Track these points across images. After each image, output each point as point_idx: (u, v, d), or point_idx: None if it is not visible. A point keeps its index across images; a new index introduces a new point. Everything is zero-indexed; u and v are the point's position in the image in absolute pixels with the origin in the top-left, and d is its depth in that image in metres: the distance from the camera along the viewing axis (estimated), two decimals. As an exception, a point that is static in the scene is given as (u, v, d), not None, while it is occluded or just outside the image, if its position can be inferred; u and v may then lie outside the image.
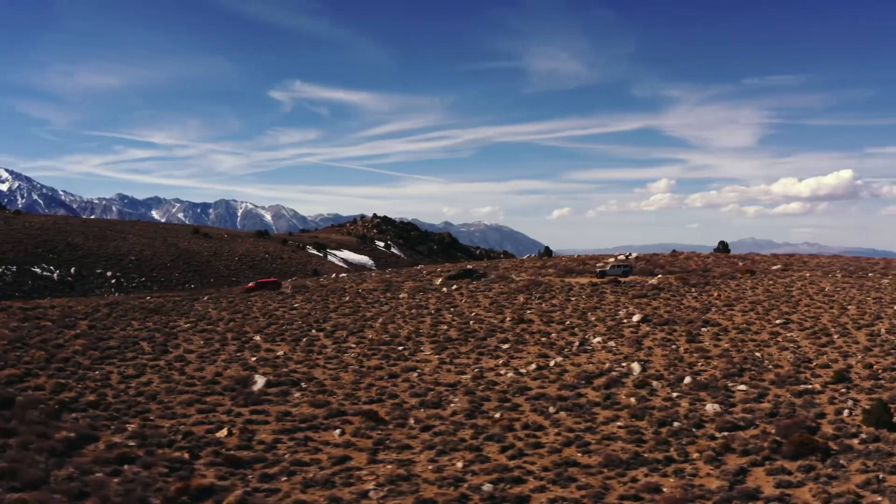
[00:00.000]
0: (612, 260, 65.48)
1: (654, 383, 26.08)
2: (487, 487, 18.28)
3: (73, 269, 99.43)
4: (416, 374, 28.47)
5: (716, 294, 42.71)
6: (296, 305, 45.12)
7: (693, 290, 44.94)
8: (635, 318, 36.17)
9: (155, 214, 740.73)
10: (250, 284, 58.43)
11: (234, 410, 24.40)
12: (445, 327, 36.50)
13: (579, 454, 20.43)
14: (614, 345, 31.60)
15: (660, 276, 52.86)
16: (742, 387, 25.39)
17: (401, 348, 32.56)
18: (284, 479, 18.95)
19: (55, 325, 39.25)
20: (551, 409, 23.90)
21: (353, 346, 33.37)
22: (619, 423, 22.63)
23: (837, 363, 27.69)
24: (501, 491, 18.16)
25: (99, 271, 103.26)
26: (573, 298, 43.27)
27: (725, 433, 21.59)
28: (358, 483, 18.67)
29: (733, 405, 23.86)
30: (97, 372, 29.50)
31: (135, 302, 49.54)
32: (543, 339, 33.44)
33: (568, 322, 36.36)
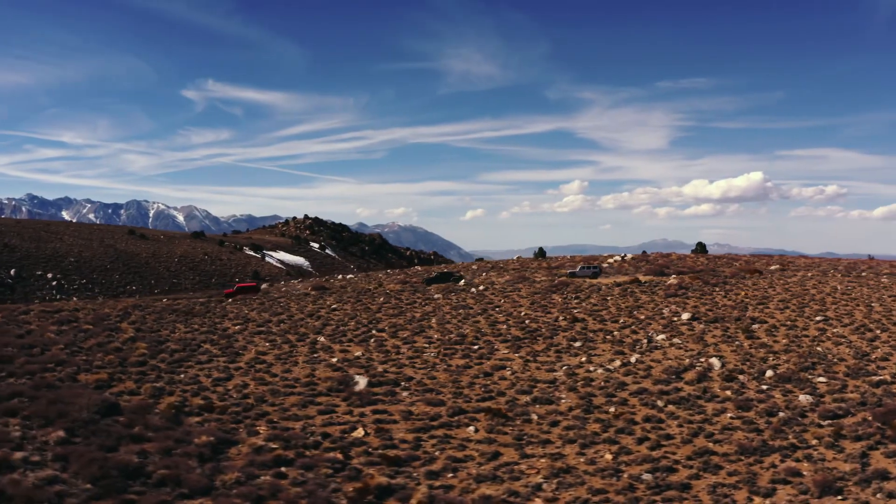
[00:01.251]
0: (581, 262, 67.90)
1: (740, 377, 28.13)
2: (647, 476, 19.73)
3: (12, 271, 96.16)
4: (508, 373, 29.64)
5: (742, 293, 45.49)
6: (334, 306, 45.41)
7: (716, 289, 47.63)
8: (685, 315, 38.34)
9: (65, 215, 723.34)
10: (229, 290, 56.06)
11: (353, 411, 25.03)
12: (505, 327, 37.75)
13: (710, 444, 22.13)
14: (679, 342, 33.60)
15: (674, 276, 55.56)
16: (821, 379, 27.71)
17: (476, 348, 33.64)
18: (450, 475, 19.91)
19: (97, 328, 38.52)
20: (660, 403, 25.57)
21: (426, 345, 34.19)
22: (729, 415, 24.48)
23: (893, 356, 30.44)
24: (661, 479, 19.64)
25: (39, 273, 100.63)
26: (608, 298, 45.20)
27: (829, 421, 23.72)
28: (524, 477, 19.80)
29: (822, 396, 26.10)
30: (182, 375, 29.46)
31: (159, 304, 48.75)
32: (609, 336, 35.14)
33: (622, 320, 38.21)
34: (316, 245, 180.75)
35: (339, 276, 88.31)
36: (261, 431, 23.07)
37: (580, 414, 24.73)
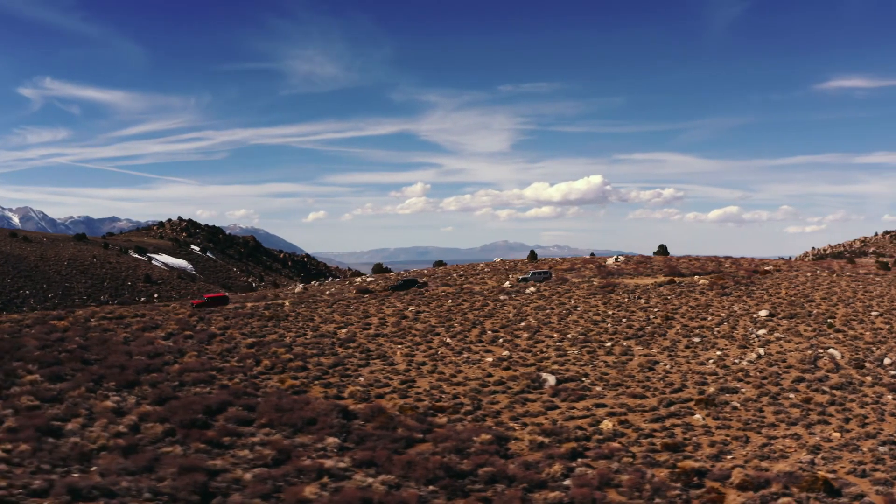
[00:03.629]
0: (531, 267, 72.43)
1: (867, 365, 33.01)
2: (882, 449, 23.59)
3: None
4: (666, 367, 32.85)
5: (784, 292, 51.46)
6: (410, 309, 46.64)
7: (751, 288, 53.41)
8: (762, 313, 43.31)
9: None
10: (199, 301, 52.68)
11: (576, 405, 27.21)
12: (610, 325, 40.92)
13: (901, 420, 26.46)
14: (781, 336, 38.27)
15: (696, 276, 61.20)
16: (931, 364, 33.15)
17: (609, 345, 36.58)
18: (729, 457, 22.81)
19: (200, 335, 37.94)
20: (825, 388, 29.76)
21: (558, 343, 36.66)
22: (890, 396, 29.03)
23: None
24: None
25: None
26: (669, 298, 49.59)
27: (970, 398, 28.87)
28: (791, 454, 23.06)
29: (945, 378, 31.40)
30: (361, 378, 30.36)
31: (229, 307, 47.81)
32: (712, 332, 39.21)
33: (710, 319, 42.52)
34: (197, 248, 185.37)
35: (316, 284, 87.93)
36: (516, 428, 24.80)
37: (770, 401, 28.37)
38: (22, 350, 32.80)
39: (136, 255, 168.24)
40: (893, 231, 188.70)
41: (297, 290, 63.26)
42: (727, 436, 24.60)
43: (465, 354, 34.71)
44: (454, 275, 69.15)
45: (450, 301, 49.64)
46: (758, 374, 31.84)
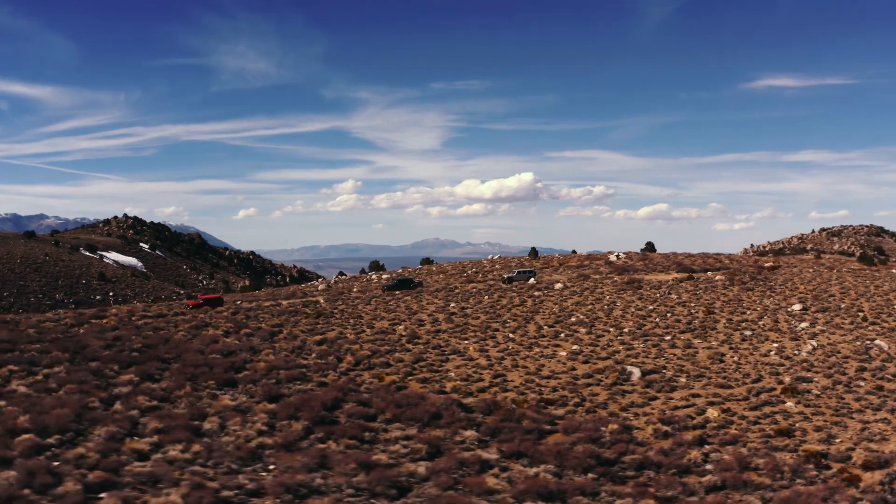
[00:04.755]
0: (514, 264, 74.49)
1: (915, 354, 35.65)
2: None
3: None
4: (734, 358, 34.75)
5: (802, 287, 54.41)
6: (451, 305, 47.55)
7: (765, 284, 56.26)
8: (796, 307, 45.90)
9: None
10: (194, 301, 51.50)
11: (671, 396, 28.74)
12: (656, 319, 42.75)
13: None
14: (824, 328, 40.76)
15: (710, 272, 63.94)
16: (970, 353, 36.04)
17: (668, 338, 38.33)
18: (837, 440, 24.67)
19: (260, 332, 38.10)
20: (888, 376, 32.11)
21: (618, 336, 38.24)
22: (949, 383, 31.59)
23: None
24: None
25: None
26: (698, 293, 51.87)
27: None
28: (892, 435, 25.08)
29: None
30: (451, 373, 31.25)
31: (268, 304, 47.75)
32: (758, 326, 41.46)
33: (749, 313, 44.86)
34: (146, 245, 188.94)
35: (321, 281, 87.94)
36: (630, 418, 26.14)
37: (845, 389, 30.52)
38: (88, 350, 32.52)
39: (88, 253, 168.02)
40: (830, 228, 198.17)
41: (321, 287, 63.28)
42: (825, 421, 26.52)
43: (537, 349, 35.92)
44: (469, 272, 70.22)
45: (486, 297, 50.71)
46: (821, 364, 34.04)
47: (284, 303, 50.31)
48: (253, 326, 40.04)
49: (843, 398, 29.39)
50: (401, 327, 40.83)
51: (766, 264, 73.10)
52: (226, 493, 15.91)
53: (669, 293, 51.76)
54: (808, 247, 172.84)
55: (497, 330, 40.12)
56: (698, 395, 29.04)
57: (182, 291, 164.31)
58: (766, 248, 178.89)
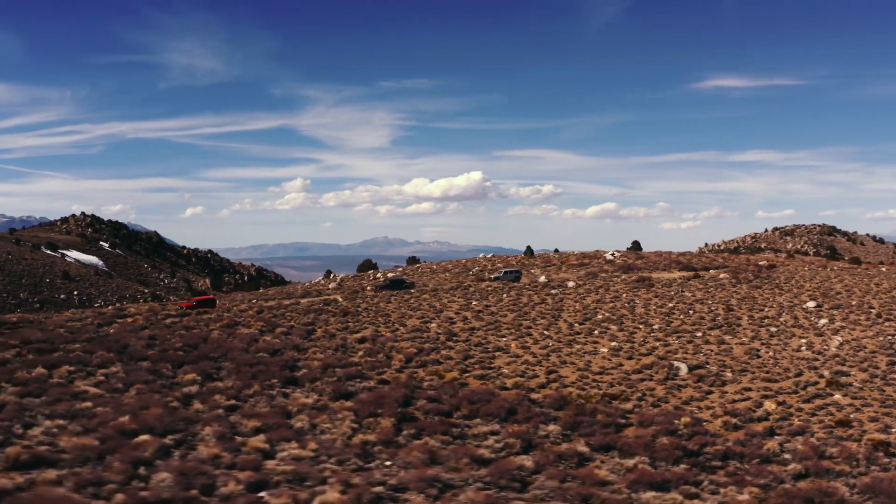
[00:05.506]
0: (501, 265, 75.97)
1: (936, 349, 37.65)
2: None
3: None
4: (769, 353, 36.20)
5: (807, 285, 56.63)
6: (473, 304, 48.23)
7: (771, 282, 58.41)
8: (810, 304, 47.84)
9: None
10: (187, 303, 49.61)
11: (724, 391, 29.92)
12: (684, 317, 44.14)
13: None
14: (844, 325, 42.67)
15: (713, 271, 65.95)
16: (985, 347, 38.19)
17: (699, 334, 39.68)
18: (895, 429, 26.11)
19: (297, 330, 38.24)
20: (920, 370, 33.96)
21: (650, 333, 39.41)
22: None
23: None
24: None
25: None
26: (711, 290, 53.58)
27: None
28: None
29: None
30: (503, 370, 31.96)
31: (288, 303, 47.71)
32: (781, 322, 43.14)
33: (767, 310, 46.61)
34: (106, 244, 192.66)
35: (322, 280, 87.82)
36: (694, 410, 27.18)
37: (883, 382, 32.17)
38: (130, 349, 32.33)
39: (50, 252, 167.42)
40: (783, 227, 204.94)
41: (332, 285, 63.20)
42: (875, 412, 27.99)
43: (577, 346, 36.84)
44: (474, 270, 70.92)
45: (505, 296, 51.47)
46: (852, 359, 35.73)
47: (303, 301, 50.24)
48: (286, 325, 40.05)
49: (885, 391, 31.00)
50: (433, 325, 41.30)
51: (761, 262, 75.67)
52: (373, 489, 16.24)
53: (683, 291, 53.31)
54: (763, 245, 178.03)
55: (530, 328, 40.91)
56: (749, 389, 30.31)
57: (146, 290, 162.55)
58: (721, 247, 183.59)
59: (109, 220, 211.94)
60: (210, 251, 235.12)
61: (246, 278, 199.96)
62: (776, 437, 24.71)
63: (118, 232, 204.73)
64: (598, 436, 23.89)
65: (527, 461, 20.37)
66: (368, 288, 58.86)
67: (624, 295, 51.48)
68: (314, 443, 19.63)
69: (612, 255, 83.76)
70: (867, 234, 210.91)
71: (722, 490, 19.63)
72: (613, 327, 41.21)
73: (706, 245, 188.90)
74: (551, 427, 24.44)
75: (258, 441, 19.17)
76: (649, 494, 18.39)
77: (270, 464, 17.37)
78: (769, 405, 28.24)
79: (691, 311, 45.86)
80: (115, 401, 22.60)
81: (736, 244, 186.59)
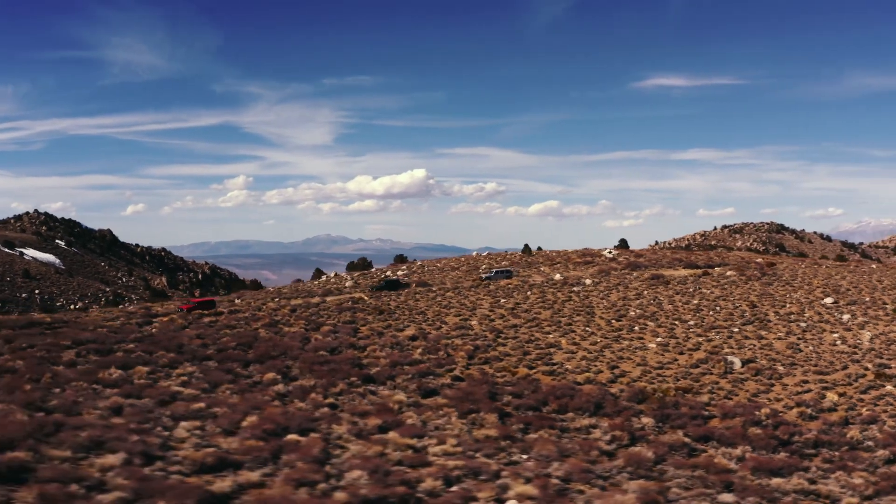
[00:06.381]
0: (494, 264, 77.29)
1: (958, 342, 40.05)
2: None
3: None
4: (807, 347, 38.00)
5: (815, 281, 59.18)
6: (501, 301, 49.15)
7: (779, 279, 60.88)
8: (827, 300, 50.14)
9: None
10: (187, 305, 48.19)
11: (784, 384, 31.47)
12: (714, 312, 45.86)
13: None
14: (866, 319, 44.93)
15: (719, 268, 68.28)
16: None
17: (735, 330, 41.37)
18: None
19: (345, 328, 38.57)
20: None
21: (689, 329, 40.92)
22: None
23: None
24: None
25: None
26: (726, 287, 55.61)
27: None
28: None
29: None
30: (567, 366, 32.94)
31: (315, 301, 47.80)
32: (806, 318, 45.20)
33: (788, 307, 48.68)
34: (62, 242, 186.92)
35: (324, 278, 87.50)
36: (767, 402, 28.58)
37: (926, 373, 34.18)
38: (186, 348, 32.42)
39: (7, 250, 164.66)
40: (732, 225, 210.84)
41: (348, 283, 63.23)
42: (933, 402, 29.89)
43: (625, 342, 38.06)
44: (482, 268, 71.73)
45: (529, 293, 52.49)
46: (886, 351, 37.80)
47: (329, 299, 50.34)
48: (329, 323, 40.26)
49: (932, 381, 33.07)
50: (475, 322, 42.02)
51: (757, 260, 78.47)
52: (551, 480, 16.91)
53: (700, 288, 55.17)
54: (713, 243, 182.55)
55: (569, 325, 41.99)
56: (807, 382, 31.95)
57: (108, 289, 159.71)
58: (672, 245, 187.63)
59: (63, 218, 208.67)
60: (163, 249, 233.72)
61: (200, 276, 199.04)
62: (851, 426, 26.25)
63: (72, 230, 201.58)
64: (691, 427, 25.05)
65: (646, 452, 21.38)
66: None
67: (645, 292, 53.04)
68: (453, 439, 20.21)
69: (610, 252, 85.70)
70: (814, 232, 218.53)
71: (832, 476, 20.95)
72: (651, 324, 42.60)
73: (656, 243, 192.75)
74: (645, 420, 25.50)
75: (400, 438, 19.67)
76: (776, 480, 19.56)
77: (438, 460, 17.88)
78: (832, 396, 29.86)
79: (718, 308, 47.64)
80: (216, 400, 22.75)
81: (687, 242, 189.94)
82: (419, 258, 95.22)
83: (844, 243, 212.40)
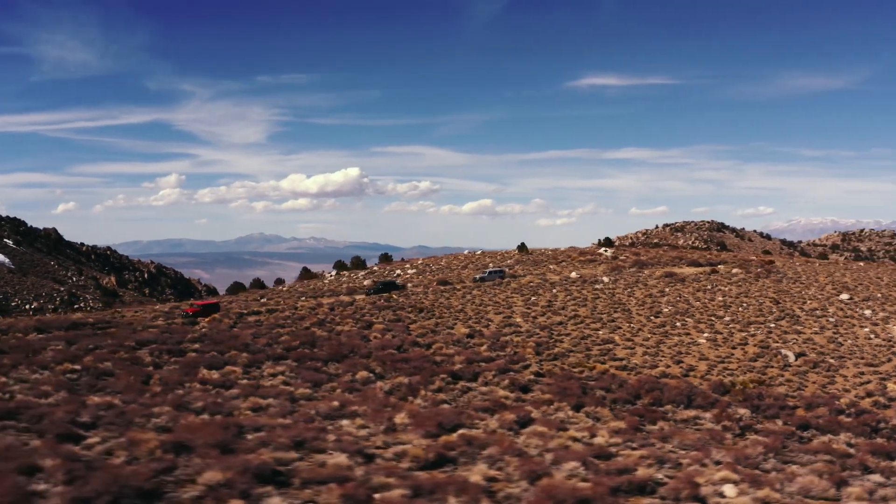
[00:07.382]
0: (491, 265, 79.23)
1: (979, 334, 42.89)
2: None
3: None
4: (846, 341, 40.18)
5: (821, 278, 62.11)
6: (532, 299, 50.25)
7: (783, 276, 63.71)
8: (843, 296, 52.81)
9: None
10: (194, 309, 45.73)
11: (844, 375, 33.35)
12: (741, 309, 47.86)
13: None
14: (887, 314, 47.60)
15: (723, 266, 70.90)
16: None
17: (772, 326, 43.35)
18: None
19: (397, 325, 39.07)
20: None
21: (728, 325, 42.74)
22: None
23: None
24: None
25: None
26: (741, 285, 57.95)
27: None
28: None
29: None
30: (632, 360, 34.23)
31: (347, 300, 48.00)
32: (832, 314, 47.61)
33: (809, 303, 51.12)
34: (10, 241, 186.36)
35: (323, 274, 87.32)
36: (833, 392, 30.32)
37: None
38: (251, 347, 32.64)
39: None
40: (673, 224, 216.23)
41: (366, 282, 63.29)
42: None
43: (675, 338, 39.54)
44: (491, 266, 72.66)
45: (556, 291, 53.71)
46: (919, 344, 40.31)
47: (358, 298, 50.53)
48: (378, 321, 40.60)
49: (970, 372, 35.50)
50: (519, 319, 42.94)
51: (752, 258, 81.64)
52: (738, 466, 17.91)
53: (716, 285, 57.34)
54: (656, 241, 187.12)
55: (612, 321, 43.31)
56: (863, 374, 33.93)
57: (62, 289, 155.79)
58: (616, 243, 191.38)
59: (8, 216, 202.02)
60: (109, 248, 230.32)
61: (146, 276, 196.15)
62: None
63: (17, 229, 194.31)
64: (784, 416, 26.51)
65: (769, 439, 22.62)
66: (409, 285, 59.64)
67: (667, 289, 54.86)
68: (603, 432, 21.06)
69: (605, 251, 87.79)
70: (753, 231, 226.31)
71: (937, 459, 22.61)
72: (689, 320, 44.30)
73: (598, 241, 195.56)
74: (742, 411, 26.83)
75: (550, 431, 20.38)
76: (897, 463, 21.06)
77: (613, 450, 18.67)
78: (892, 386, 31.85)
79: (744, 304, 49.73)
80: (344, 399, 23.09)
81: (630, 240, 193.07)
82: (363, 256, 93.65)
83: (784, 242, 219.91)
